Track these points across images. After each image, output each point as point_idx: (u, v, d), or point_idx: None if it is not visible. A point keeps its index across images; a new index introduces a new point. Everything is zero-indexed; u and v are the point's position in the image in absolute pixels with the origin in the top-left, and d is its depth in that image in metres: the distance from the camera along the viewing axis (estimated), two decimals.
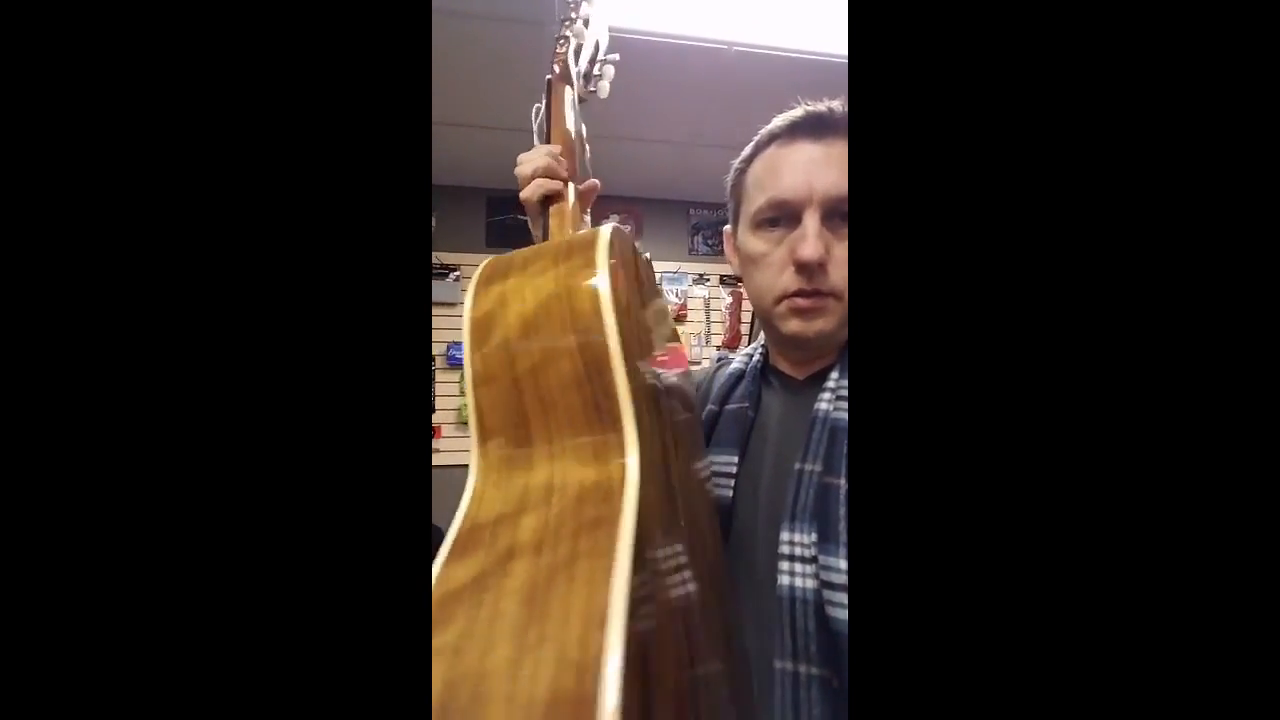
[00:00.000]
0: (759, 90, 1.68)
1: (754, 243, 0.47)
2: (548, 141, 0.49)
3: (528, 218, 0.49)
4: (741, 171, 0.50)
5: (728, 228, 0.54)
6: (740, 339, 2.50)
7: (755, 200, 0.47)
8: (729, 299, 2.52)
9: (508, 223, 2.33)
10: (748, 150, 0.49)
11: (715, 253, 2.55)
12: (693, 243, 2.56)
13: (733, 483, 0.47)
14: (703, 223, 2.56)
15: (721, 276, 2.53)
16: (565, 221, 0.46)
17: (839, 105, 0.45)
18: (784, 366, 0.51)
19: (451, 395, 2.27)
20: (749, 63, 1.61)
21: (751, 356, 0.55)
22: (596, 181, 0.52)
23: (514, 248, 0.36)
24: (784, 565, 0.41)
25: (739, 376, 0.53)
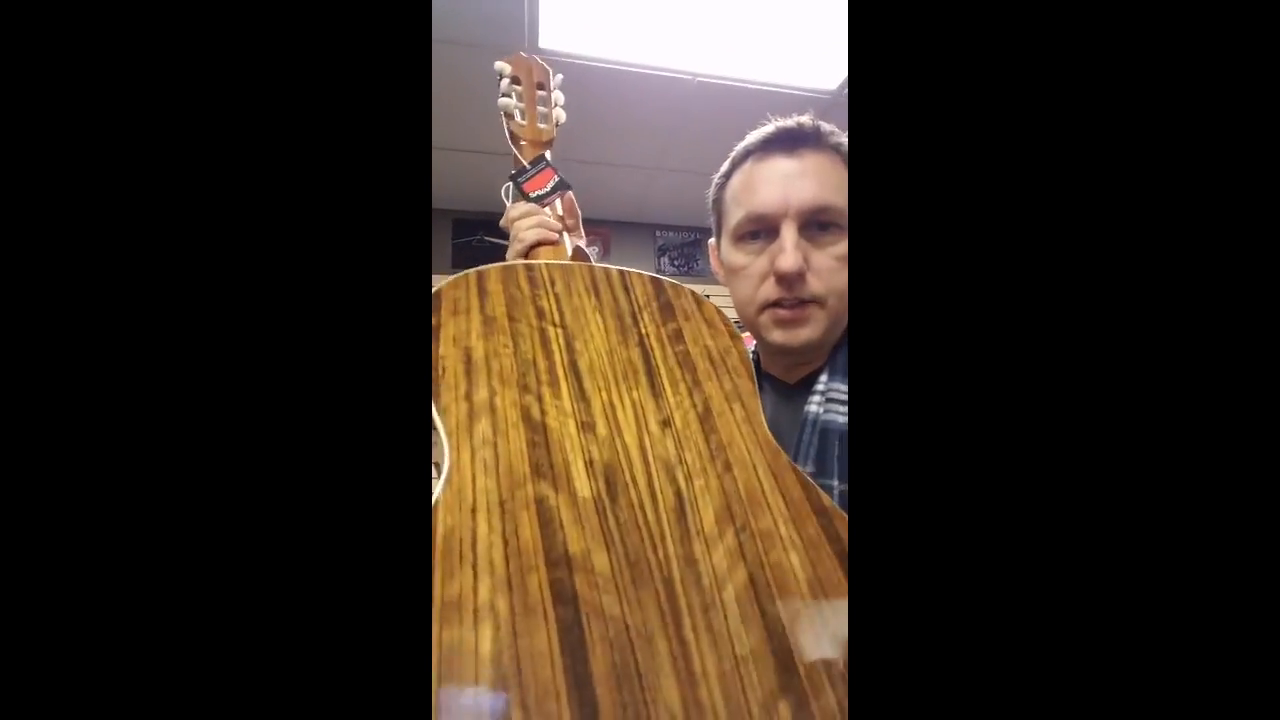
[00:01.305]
0: (721, 119, 1.76)
1: (736, 256, 0.49)
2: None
3: (504, 242, 0.51)
4: (721, 187, 0.52)
5: (712, 241, 0.55)
6: None
7: (734, 215, 0.48)
8: None
9: (474, 244, 2.32)
10: (726, 166, 0.51)
11: (681, 273, 2.60)
12: (659, 263, 2.60)
13: None
14: (668, 244, 2.61)
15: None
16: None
17: (808, 120, 0.48)
18: (776, 371, 0.53)
19: None
20: (711, 93, 1.68)
21: None
22: (569, 194, 0.54)
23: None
24: None
25: None
